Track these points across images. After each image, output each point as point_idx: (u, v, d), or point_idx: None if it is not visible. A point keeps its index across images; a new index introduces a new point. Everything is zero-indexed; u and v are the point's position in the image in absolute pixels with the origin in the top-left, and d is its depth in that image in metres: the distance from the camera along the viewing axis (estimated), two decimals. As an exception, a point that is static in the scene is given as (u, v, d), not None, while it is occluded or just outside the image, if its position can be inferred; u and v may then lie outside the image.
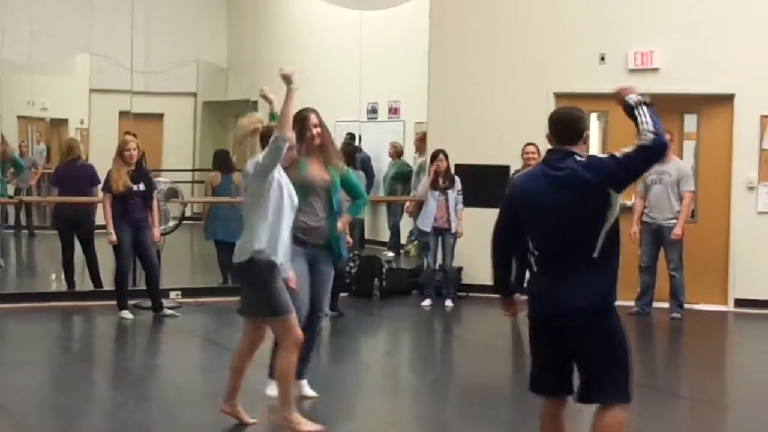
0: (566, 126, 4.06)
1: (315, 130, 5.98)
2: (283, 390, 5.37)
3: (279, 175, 5.34)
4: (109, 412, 6.72)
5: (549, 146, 4.19)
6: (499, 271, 4.31)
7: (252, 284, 5.41)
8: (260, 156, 5.41)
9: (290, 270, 5.63)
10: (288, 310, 5.32)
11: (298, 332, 5.33)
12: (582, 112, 4.22)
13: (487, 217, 10.60)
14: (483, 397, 7.04)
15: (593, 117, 11.42)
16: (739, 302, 10.70)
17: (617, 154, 3.84)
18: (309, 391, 6.34)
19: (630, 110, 3.98)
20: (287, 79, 5.34)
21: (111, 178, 9.51)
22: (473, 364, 8.81)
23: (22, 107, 18.76)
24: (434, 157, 10.76)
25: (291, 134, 5.55)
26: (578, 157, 3.98)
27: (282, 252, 5.39)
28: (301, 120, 5.86)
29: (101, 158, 11.18)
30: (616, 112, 10.63)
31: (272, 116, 6.07)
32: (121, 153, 9.54)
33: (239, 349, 5.73)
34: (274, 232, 5.33)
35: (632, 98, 3.91)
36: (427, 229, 10.74)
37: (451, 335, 10.51)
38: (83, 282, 10.93)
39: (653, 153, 3.85)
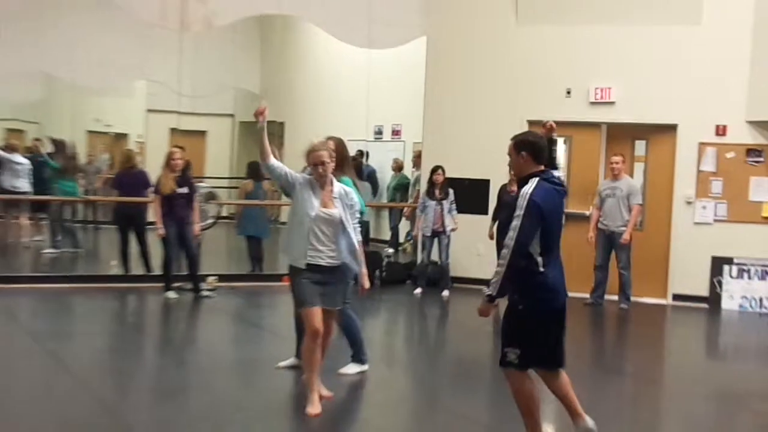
0: (544, 149, 4.46)
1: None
2: (305, 369, 5.55)
3: (300, 191, 5.43)
4: (154, 374, 7.17)
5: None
6: (506, 281, 4.49)
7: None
8: (350, 194, 5.67)
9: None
10: (304, 303, 5.42)
11: (314, 324, 5.36)
12: (527, 136, 4.66)
13: (470, 222, 10.16)
14: (471, 367, 7.36)
15: (560, 141, 11.45)
16: (676, 297, 11.05)
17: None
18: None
19: (552, 142, 4.62)
20: (257, 116, 5.32)
21: (160, 183, 9.90)
22: (462, 342, 9.04)
23: (90, 124, 19.39)
24: (434, 170, 10.99)
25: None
26: (556, 173, 4.60)
27: (299, 254, 5.41)
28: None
29: (155, 166, 11.13)
30: (579, 137, 11.66)
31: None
32: (168, 162, 9.85)
33: None
34: (292, 238, 5.56)
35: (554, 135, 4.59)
36: (428, 233, 11.00)
37: (445, 318, 10.68)
38: (137, 267, 11.24)
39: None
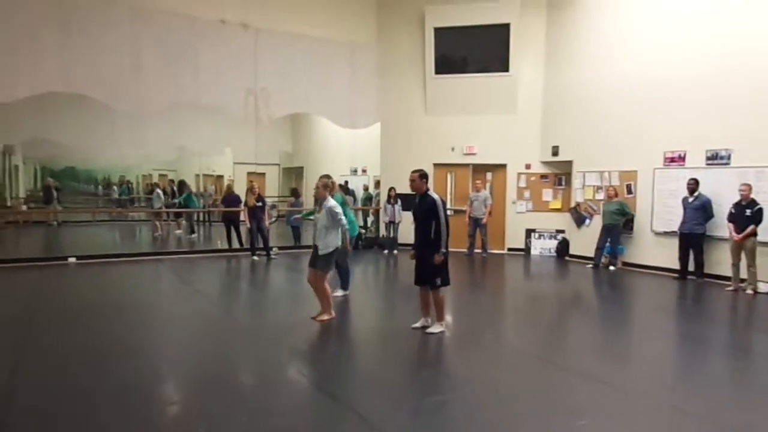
0: (425, 178, 5.72)
1: (315, 192, 6.60)
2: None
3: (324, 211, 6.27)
4: (248, 301, 8.29)
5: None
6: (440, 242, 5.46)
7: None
8: (332, 205, 6.22)
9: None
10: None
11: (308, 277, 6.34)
12: (424, 172, 5.72)
13: (406, 215, 11.62)
14: (408, 286, 7.85)
15: (449, 176, 13.42)
16: (510, 249, 13.19)
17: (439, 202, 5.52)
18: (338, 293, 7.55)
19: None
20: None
21: (246, 200, 11.68)
22: (403, 275, 10.04)
23: (204, 170, 21.87)
24: (390, 189, 12.67)
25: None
26: (430, 192, 5.73)
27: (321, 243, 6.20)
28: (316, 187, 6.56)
29: (239, 192, 13.15)
30: (458, 172, 13.27)
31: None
32: (250, 189, 11.57)
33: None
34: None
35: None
36: (387, 221, 12.73)
37: (394, 264, 11.49)
38: (233, 244, 12.75)
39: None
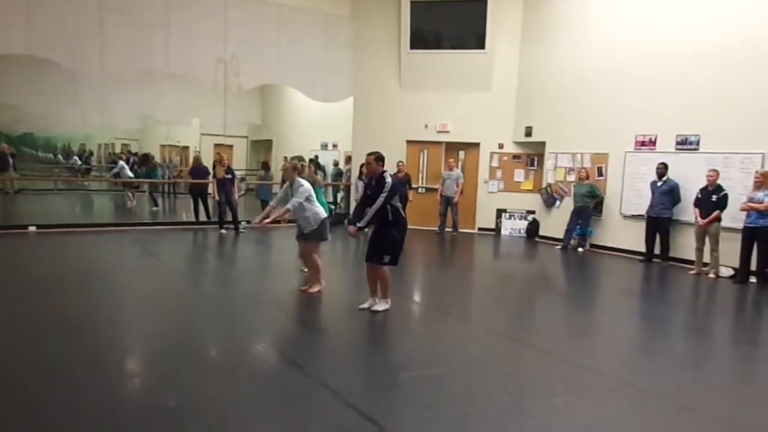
0: (382, 161, 5.61)
1: (282, 172, 6.65)
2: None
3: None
4: (214, 271, 8.50)
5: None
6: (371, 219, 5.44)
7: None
8: (304, 188, 6.15)
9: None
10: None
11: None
12: (380, 155, 5.57)
13: None
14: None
15: (422, 152, 13.39)
16: (480, 228, 13.28)
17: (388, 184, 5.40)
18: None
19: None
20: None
21: (215, 172, 11.51)
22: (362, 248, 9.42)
23: (168, 141, 21.57)
24: (362, 165, 10.72)
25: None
26: (386, 174, 5.60)
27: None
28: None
29: (207, 164, 13.07)
30: (431, 149, 13.22)
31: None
32: (219, 161, 11.40)
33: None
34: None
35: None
36: (357, 198, 11.29)
37: (364, 240, 10.00)
38: (200, 217, 12.57)
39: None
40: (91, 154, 25.72)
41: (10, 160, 17.69)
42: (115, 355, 4.44)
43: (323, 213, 6.41)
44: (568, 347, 5.17)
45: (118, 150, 23.54)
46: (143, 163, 16.27)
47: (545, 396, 3.93)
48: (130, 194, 15.73)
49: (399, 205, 5.60)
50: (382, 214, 5.57)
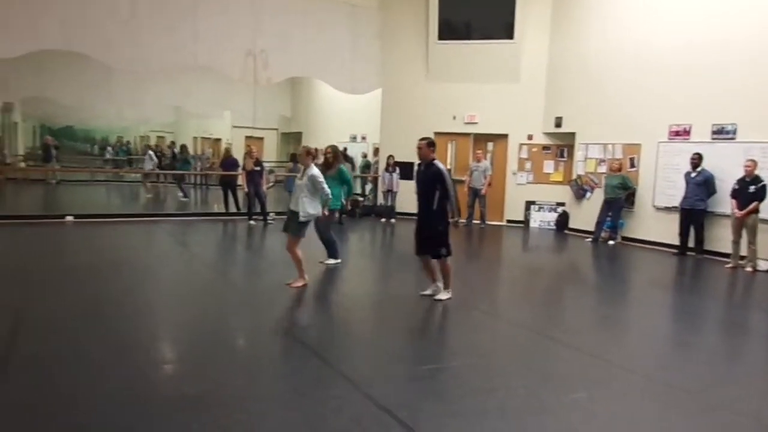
0: (433, 147, 5.62)
1: (327, 156, 7.46)
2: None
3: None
4: (241, 261, 8.64)
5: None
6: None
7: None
8: (314, 174, 6.11)
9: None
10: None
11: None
12: (431, 140, 5.57)
13: (405, 184, 12.12)
14: (405, 255, 8.31)
15: (449, 143, 13.39)
16: (509, 221, 13.16)
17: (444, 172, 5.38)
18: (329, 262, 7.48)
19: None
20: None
21: (245, 164, 11.57)
22: (400, 244, 10.32)
23: (201, 133, 21.91)
24: (389, 156, 12.56)
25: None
26: (437, 160, 5.56)
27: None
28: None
29: (238, 156, 13.20)
30: (459, 141, 13.16)
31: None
32: (248, 152, 11.52)
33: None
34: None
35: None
36: (385, 190, 12.68)
37: (391, 232, 11.62)
38: (230, 208, 12.79)
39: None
40: (128, 144, 26.36)
41: (54, 152, 18.30)
42: (142, 343, 4.50)
43: (318, 213, 6.34)
44: (595, 341, 5.05)
45: (152, 142, 24.04)
46: (182, 153, 16.48)
47: (566, 390, 3.84)
48: (148, 185, 16.08)
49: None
50: (428, 201, 5.50)
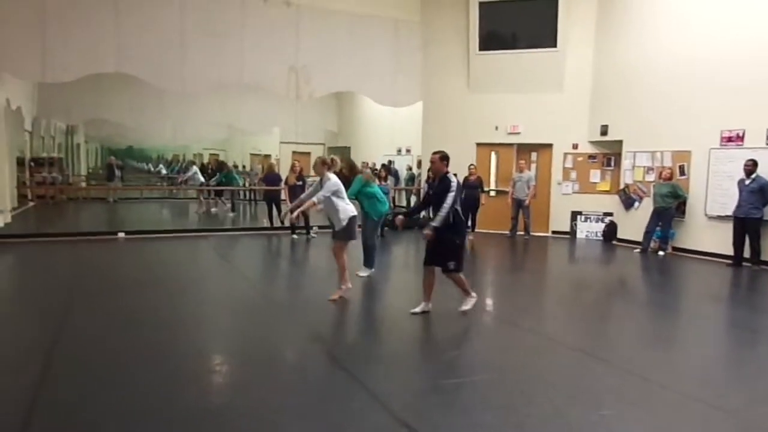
0: (446, 160, 5.54)
1: (315, 171, 6.54)
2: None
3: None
4: (282, 278, 8.60)
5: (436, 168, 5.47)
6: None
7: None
8: (330, 180, 6.03)
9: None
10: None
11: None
12: (445, 153, 5.50)
13: None
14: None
15: (492, 154, 13.26)
16: (554, 232, 12.87)
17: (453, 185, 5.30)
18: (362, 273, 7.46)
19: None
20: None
21: (288, 178, 11.57)
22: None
23: (251, 150, 22.40)
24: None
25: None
26: (450, 174, 5.51)
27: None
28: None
29: (285, 170, 13.35)
30: (502, 151, 13.00)
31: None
32: (292, 167, 11.60)
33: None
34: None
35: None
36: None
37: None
38: (275, 222, 12.60)
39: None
40: (186, 162, 27.24)
41: (118, 172, 19.14)
42: (172, 355, 4.61)
43: (352, 211, 6.24)
44: (635, 358, 4.82)
45: (206, 160, 24.75)
46: (219, 168, 16.76)
47: (593, 407, 3.71)
48: (202, 200, 16.36)
49: (459, 208, 5.50)
50: (444, 215, 5.47)
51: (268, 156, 21.07)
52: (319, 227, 12.15)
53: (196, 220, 15.14)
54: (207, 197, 16.47)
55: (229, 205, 16.35)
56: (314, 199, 5.99)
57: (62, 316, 5.55)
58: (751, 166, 8.98)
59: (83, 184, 21.51)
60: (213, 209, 16.39)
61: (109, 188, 19.32)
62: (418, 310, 5.84)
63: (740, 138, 9.58)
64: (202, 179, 16.64)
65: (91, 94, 16.59)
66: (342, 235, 6.26)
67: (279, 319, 5.90)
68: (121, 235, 11.33)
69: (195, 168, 17.12)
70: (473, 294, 5.79)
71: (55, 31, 10.27)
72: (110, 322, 5.43)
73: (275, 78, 12.32)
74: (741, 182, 9.13)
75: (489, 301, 6.69)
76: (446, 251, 5.56)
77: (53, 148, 20.31)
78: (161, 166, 25.39)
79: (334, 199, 6.10)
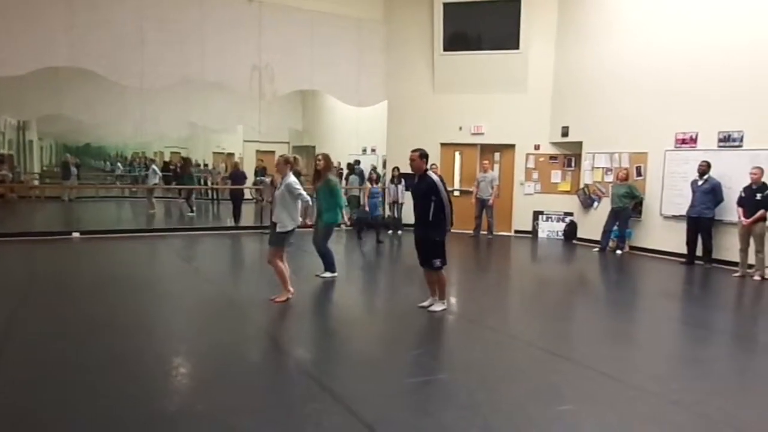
0: (426, 158, 5.62)
1: (317, 164, 7.23)
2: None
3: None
4: (243, 279, 8.39)
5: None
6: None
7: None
8: (291, 181, 5.93)
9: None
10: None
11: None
12: (424, 151, 5.53)
13: (409, 196, 12.32)
14: (412, 267, 8.03)
15: (456, 154, 13.34)
16: (516, 231, 13.06)
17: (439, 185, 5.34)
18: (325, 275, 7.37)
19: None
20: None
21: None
22: (405, 256, 10.23)
23: (213, 148, 22.08)
24: (394, 168, 12.47)
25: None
26: (430, 172, 5.58)
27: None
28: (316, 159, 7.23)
29: (248, 169, 13.48)
30: (466, 152, 13.05)
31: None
32: (257, 167, 12.36)
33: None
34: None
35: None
36: (391, 202, 12.57)
37: (398, 244, 11.38)
38: (239, 223, 12.79)
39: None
40: (145, 160, 26.63)
41: (74, 170, 18.57)
42: (128, 358, 4.48)
43: (293, 224, 6.08)
44: (593, 354, 4.92)
45: (167, 158, 24.24)
46: (184, 168, 16.36)
47: (553, 403, 3.76)
48: (153, 201, 15.89)
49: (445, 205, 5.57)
50: (424, 213, 5.50)
51: (231, 154, 20.85)
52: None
53: (158, 219, 14.86)
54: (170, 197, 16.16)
55: (187, 206, 15.96)
56: (307, 200, 6.03)
57: (9, 320, 5.34)
58: (705, 167, 9.26)
59: (36, 182, 20.78)
60: (151, 211, 15.89)
61: (64, 187, 18.69)
62: (425, 303, 5.94)
63: (693, 140, 9.88)
64: (155, 180, 16.21)
65: (46, 89, 16.04)
66: (278, 241, 6.10)
67: (239, 319, 5.80)
68: (76, 234, 11.00)
69: (153, 167, 16.68)
70: (445, 303, 5.87)
71: (0, 25, 9.92)
72: (62, 325, 5.26)
73: (238, 76, 12.17)
74: (694, 183, 9.41)
75: (452, 300, 6.69)
76: (429, 250, 5.65)
77: (3, 145, 19.64)
78: (118, 164, 24.70)
79: (290, 201, 6.05)
